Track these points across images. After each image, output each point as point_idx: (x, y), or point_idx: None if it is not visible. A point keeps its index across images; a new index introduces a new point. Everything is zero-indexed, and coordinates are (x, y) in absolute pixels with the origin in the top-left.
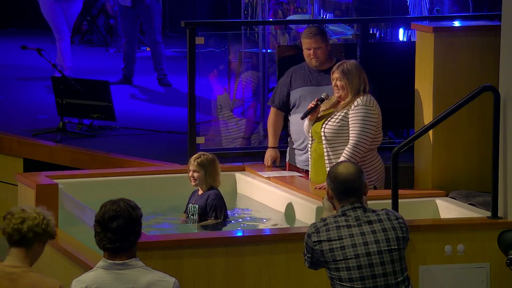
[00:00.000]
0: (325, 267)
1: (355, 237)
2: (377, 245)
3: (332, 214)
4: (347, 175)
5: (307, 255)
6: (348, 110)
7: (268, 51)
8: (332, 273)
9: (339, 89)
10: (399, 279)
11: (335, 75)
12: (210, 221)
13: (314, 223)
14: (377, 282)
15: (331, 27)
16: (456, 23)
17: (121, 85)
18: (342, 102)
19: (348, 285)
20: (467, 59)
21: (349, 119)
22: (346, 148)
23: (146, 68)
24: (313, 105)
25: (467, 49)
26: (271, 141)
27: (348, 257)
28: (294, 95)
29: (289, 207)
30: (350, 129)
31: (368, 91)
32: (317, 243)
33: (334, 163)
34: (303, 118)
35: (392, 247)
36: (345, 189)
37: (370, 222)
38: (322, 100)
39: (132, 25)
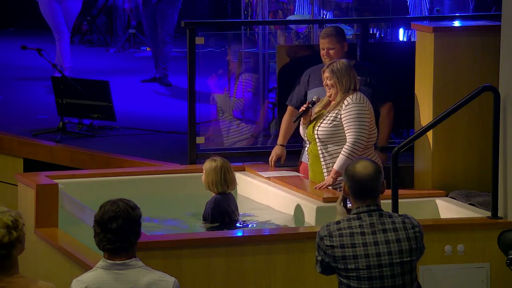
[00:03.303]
0: (335, 272)
1: (368, 246)
2: (389, 257)
3: (346, 217)
4: (365, 175)
5: (318, 257)
6: (340, 110)
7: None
8: (342, 279)
9: (329, 88)
10: None
11: (325, 74)
12: (206, 225)
13: (327, 225)
14: None
15: None
16: (456, 23)
17: (152, 83)
18: (333, 102)
19: None
20: (467, 59)
21: (342, 118)
22: (345, 146)
23: (146, 68)
24: (304, 108)
25: (467, 49)
26: (280, 138)
27: (360, 267)
28: (311, 95)
29: (289, 207)
30: (345, 127)
31: (358, 89)
32: (329, 247)
33: (329, 163)
34: (295, 121)
35: (405, 259)
36: (362, 189)
37: (385, 231)
38: (313, 103)
39: (152, 26)
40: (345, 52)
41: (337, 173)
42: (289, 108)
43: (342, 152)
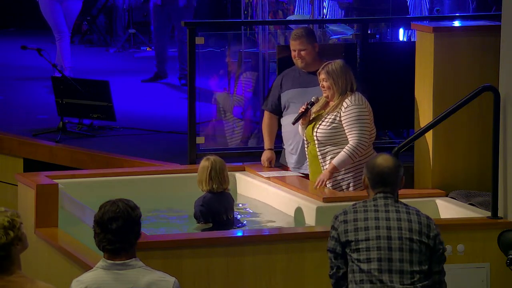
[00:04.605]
0: (345, 255)
1: (380, 220)
2: (399, 231)
3: (362, 200)
4: (385, 168)
5: (330, 246)
6: (339, 112)
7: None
8: (352, 254)
9: (325, 90)
10: (414, 269)
11: (321, 76)
12: (199, 226)
13: (343, 209)
14: (392, 266)
15: (331, 27)
16: (456, 23)
17: (153, 82)
18: (332, 104)
19: (365, 266)
20: (467, 59)
21: (343, 121)
22: (348, 146)
23: (146, 68)
24: (303, 110)
25: (467, 49)
26: (266, 143)
27: (370, 237)
28: (284, 97)
29: (289, 207)
30: (347, 130)
31: (356, 89)
32: (342, 222)
33: (328, 163)
34: (294, 123)
35: (414, 237)
36: (381, 181)
37: (397, 211)
38: (312, 104)
39: (162, 24)
40: (316, 53)
41: (335, 169)
42: (266, 113)
43: (344, 150)
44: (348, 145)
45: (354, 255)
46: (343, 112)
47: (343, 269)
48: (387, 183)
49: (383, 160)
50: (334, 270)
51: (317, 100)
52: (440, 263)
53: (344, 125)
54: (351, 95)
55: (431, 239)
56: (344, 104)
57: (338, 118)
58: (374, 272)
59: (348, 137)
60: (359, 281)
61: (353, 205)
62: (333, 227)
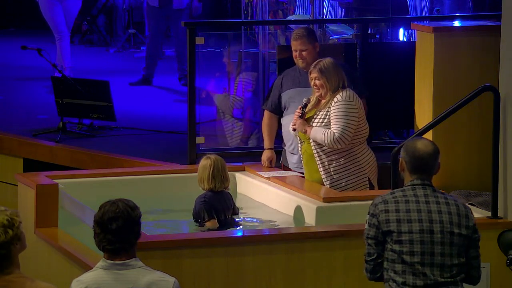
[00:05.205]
0: (385, 243)
1: (422, 212)
2: (440, 225)
3: (400, 188)
4: (425, 153)
5: (371, 233)
6: (329, 108)
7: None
8: (393, 245)
9: (318, 88)
10: (454, 262)
11: (313, 74)
12: (208, 224)
13: (381, 196)
14: (434, 260)
15: (331, 27)
16: (456, 23)
17: (141, 86)
18: (323, 101)
19: (408, 258)
20: (467, 59)
21: (331, 115)
22: (329, 132)
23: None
24: (299, 114)
25: (467, 49)
26: (266, 143)
27: (414, 230)
28: (284, 97)
29: (289, 207)
30: (332, 123)
31: (348, 86)
32: (383, 211)
33: (325, 161)
34: (294, 130)
35: (454, 231)
36: (419, 166)
37: (438, 203)
38: (305, 106)
39: (158, 26)
40: (317, 52)
41: (307, 133)
42: (266, 112)
43: (325, 130)
44: (331, 131)
45: (396, 246)
46: (332, 107)
47: (382, 257)
48: (426, 169)
49: (423, 145)
50: (374, 256)
51: (309, 101)
52: (477, 248)
53: (331, 119)
54: (342, 91)
55: (469, 229)
56: (335, 99)
57: (329, 114)
58: (417, 265)
59: (331, 129)
60: (401, 271)
61: (392, 194)
62: (372, 215)
